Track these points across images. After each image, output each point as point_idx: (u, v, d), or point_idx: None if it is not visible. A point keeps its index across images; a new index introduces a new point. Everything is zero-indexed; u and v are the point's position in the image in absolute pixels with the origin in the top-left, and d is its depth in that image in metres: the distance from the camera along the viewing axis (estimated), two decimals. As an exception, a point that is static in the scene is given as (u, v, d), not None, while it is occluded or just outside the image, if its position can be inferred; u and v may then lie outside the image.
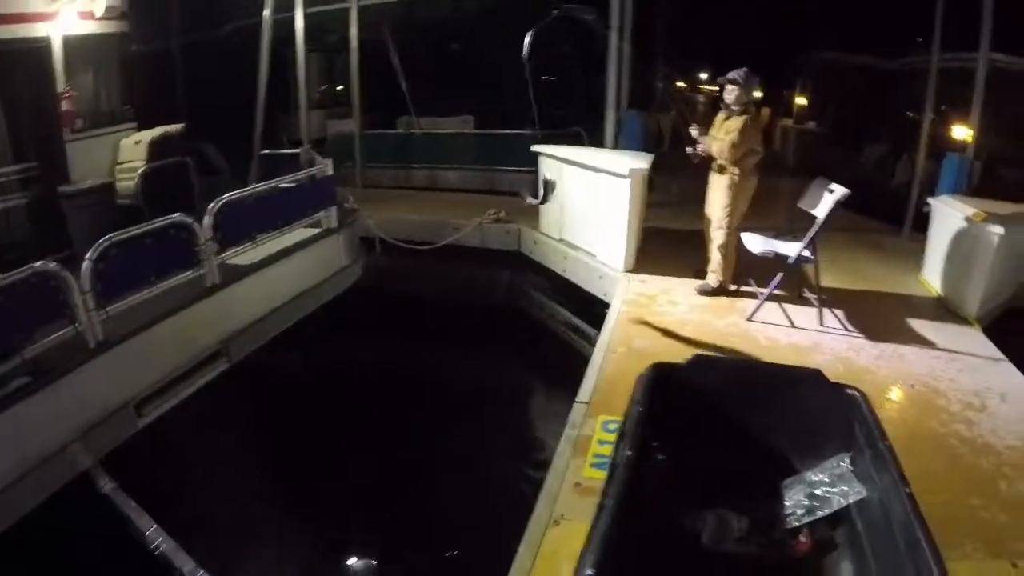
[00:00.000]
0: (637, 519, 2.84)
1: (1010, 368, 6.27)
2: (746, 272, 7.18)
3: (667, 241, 8.56)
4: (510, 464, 6.57)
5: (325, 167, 7.55)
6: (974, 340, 6.85)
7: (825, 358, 5.98)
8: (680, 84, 23.68)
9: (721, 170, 6.73)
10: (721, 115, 6.74)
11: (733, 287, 7.20)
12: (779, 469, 3.46)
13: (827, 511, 3.13)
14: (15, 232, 7.28)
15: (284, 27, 10.25)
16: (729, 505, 3.25)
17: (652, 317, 6.48)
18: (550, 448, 4.34)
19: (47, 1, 7.17)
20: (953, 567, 3.54)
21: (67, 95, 7.63)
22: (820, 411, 3.40)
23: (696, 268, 7.37)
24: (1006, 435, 5.05)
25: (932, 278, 8.26)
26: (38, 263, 4.63)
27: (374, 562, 6.05)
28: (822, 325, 6.64)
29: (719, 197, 6.78)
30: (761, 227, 7.24)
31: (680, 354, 4.86)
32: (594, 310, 7.43)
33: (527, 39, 9.72)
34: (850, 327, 6.71)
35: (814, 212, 6.57)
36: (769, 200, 7.52)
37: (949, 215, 7.92)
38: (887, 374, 5.87)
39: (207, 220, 6.05)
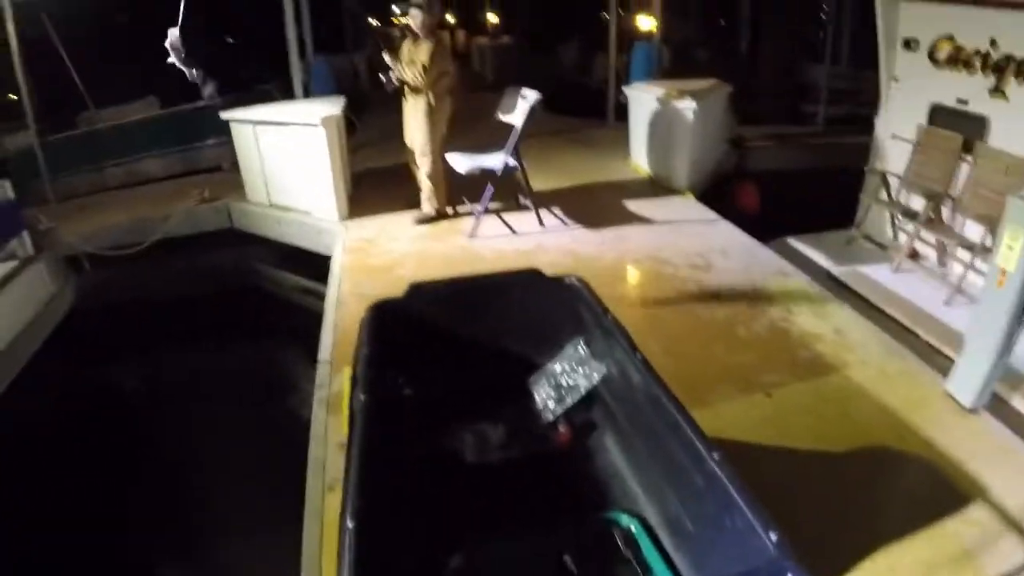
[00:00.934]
0: (396, 458, 2.65)
1: (727, 225, 6.74)
2: (460, 192, 7.11)
3: (378, 180, 8.34)
4: (277, 442, 6.19)
5: (4, 190, 6.61)
6: (689, 208, 7.27)
7: (551, 256, 6.10)
8: (373, 21, 23.27)
9: (416, 96, 6.57)
10: (408, 42, 6.59)
11: (450, 210, 7.13)
12: (525, 372, 3.41)
13: (577, 397, 3.12)
14: None
15: None
16: (486, 419, 3.14)
17: (376, 259, 6.29)
18: (308, 415, 4.21)
19: None
20: (716, 410, 3.80)
21: None
22: (547, 307, 3.38)
23: (411, 200, 7.20)
24: (735, 285, 5.46)
25: (640, 161, 8.62)
26: None
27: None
28: (542, 226, 6.72)
29: (418, 125, 6.63)
30: (467, 146, 7.17)
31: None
32: (322, 267, 7.09)
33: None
34: (570, 222, 6.88)
35: (510, 121, 6.59)
36: (472, 118, 7.48)
37: (644, 100, 8.27)
38: (614, 256, 6.09)
39: None
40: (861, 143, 7.62)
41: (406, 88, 6.59)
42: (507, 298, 3.40)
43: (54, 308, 6.85)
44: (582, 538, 2.62)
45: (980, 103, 5.95)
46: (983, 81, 5.86)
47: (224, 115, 7.84)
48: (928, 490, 3.26)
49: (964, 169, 6.06)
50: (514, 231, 6.65)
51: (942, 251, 6.31)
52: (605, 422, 3.14)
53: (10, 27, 9.35)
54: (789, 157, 10.11)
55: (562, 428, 3.11)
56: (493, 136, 7.02)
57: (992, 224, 5.40)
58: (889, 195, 6.80)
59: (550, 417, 3.15)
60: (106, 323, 7.78)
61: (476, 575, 2.51)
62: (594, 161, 9.18)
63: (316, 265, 7.48)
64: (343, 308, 5.38)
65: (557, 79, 16.85)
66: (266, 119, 7.47)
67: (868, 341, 4.55)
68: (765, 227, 6.93)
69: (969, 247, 5.72)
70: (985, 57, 5.81)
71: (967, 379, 3.86)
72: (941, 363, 4.50)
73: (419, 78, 6.38)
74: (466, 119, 7.18)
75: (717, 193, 8.39)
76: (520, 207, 7.10)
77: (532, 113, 6.47)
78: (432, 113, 6.57)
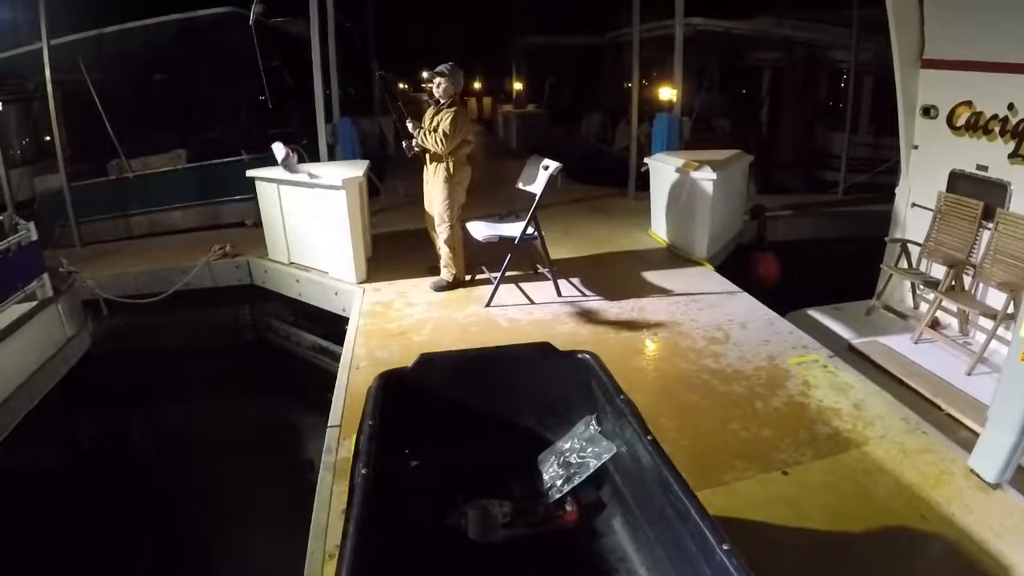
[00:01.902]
0: (396, 531, 2.60)
1: (745, 297, 6.68)
2: (478, 260, 7.13)
3: (398, 244, 8.36)
4: (281, 504, 6.13)
5: (27, 232, 6.69)
6: (707, 279, 7.22)
7: (568, 327, 6.06)
8: (402, 85, 23.75)
9: (436, 163, 6.62)
10: (431, 110, 6.64)
11: (468, 277, 7.13)
12: (533, 448, 3.35)
13: (585, 475, 3.06)
14: None
15: None
16: (492, 494, 3.09)
17: (391, 324, 6.25)
18: (315, 478, 4.10)
19: None
20: (731, 488, 3.72)
21: None
22: (558, 382, 3.32)
23: (429, 265, 7.24)
24: (752, 358, 5.38)
25: (660, 231, 8.63)
26: None
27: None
28: (560, 296, 6.69)
29: (437, 191, 6.67)
30: (488, 213, 7.24)
31: (419, 356, 4.81)
32: (338, 327, 7.10)
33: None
34: (588, 292, 6.85)
35: (530, 190, 6.62)
36: (494, 186, 7.55)
37: (665, 170, 8.31)
38: (630, 329, 6.04)
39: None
40: (881, 211, 7.61)
41: (426, 154, 6.65)
42: (518, 372, 3.37)
43: (69, 352, 6.83)
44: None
45: (1000, 169, 5.96)
46: (1003, 147, 5.86)
47: (250, 173, 7.94)
48: (950, 571, 3.17)
49: (985, 236, 6.04)
50: (531, 300, 6.64)
51: (964, 320, 6.25)
52: (613, 502, 3.08)
53: (47, 72, 9.59)
54: (809, 226, 10.10)
55: (569, 507, 3.05)
56: (514, 203, 7.09)
57: (1015, 292, 5.37)
58: (910, 263, 6.77)
59: (557, 495, 3.09)
60: (120, 370, 7.81)
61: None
62: (614, 230, 9.20)
63: (332, 325, 7.51)
64: (356, 372, 5.33)
65: (580, 148, 17.06)
66: (290, 179, 7.54)
67: (888, 416, 4.47)
68: (784, 298, 6.89)
69: (991, 315, 5.67)
70: (1004, 122, 5.83)
71: (991, 454, 3.76)
72: (964, 436, 4.44)
73: (440, 144, 6.41)
74: (489, 186, 7.23)
75: (736, 263, 8.38)
76: (538, 276, 7.10)
77: (553, 182, 6.52)
78: (451, 180, 6.61)
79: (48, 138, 12.87)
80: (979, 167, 6.17)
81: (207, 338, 8.81)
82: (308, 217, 7.50)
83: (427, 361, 3.25)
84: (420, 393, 3.19)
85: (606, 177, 12.59)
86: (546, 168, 6.57)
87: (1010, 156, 5.81)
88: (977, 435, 4.02)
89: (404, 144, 6.74)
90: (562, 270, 7.02)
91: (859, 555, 3.26)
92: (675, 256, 8.05)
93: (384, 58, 20.34)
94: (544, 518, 3.02)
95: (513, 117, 21.52)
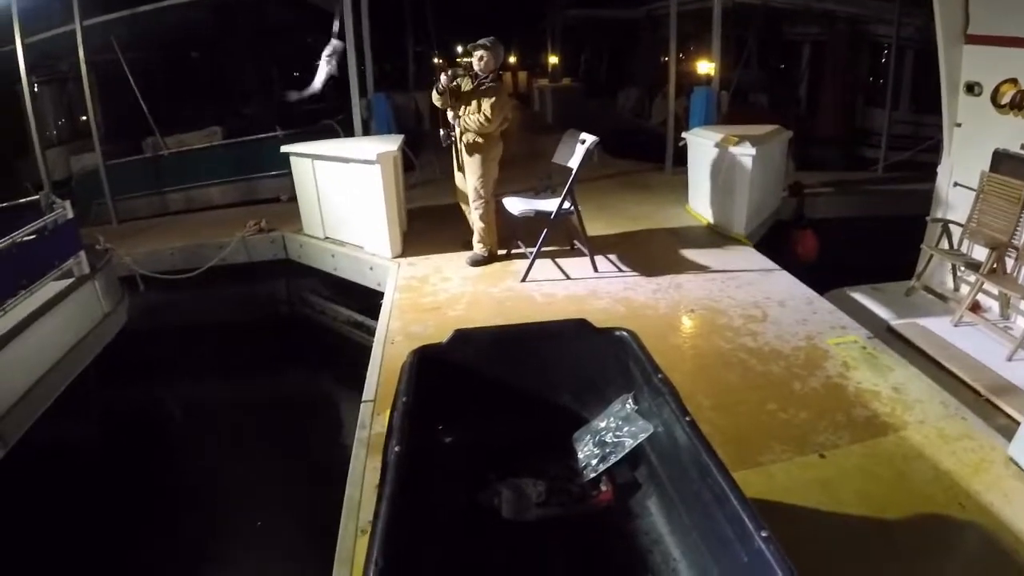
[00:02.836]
0: (430, 511, 2.61)
1: (784, 275, 6.60)
2: (515, 234, 7.11)
3: (433, 219, 8.38)
4: (314, 479, 6.18)
5: (63, 210, 6.75)
6: (746, 257, 7.15)
7: (603, 303, 6.03)
8: (438, 60, 23.67)
9: (472, 140, 6.55)
10: (468, 83, 6.50)
11: (503, 252, 7.11)
12: (569, 425, 3.33)
13: (621, 455, 3.02)
14: None
15: (7, 60, 9.13)
16: (526, 472, 3.07)
17: (426, 298, 6.27)
18: (350, 453, 4.10)
19: None
20: (768, 470, 3.69)
21: None
22: (594, 359, 3.29)
23: (465, 240, 7.23)
24: (790, 338, 5.31)
25: (698, 207, 8.55)
26: None
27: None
28: (596, 271, 6.66)
29: (472, 168, 6.63)
30: (524, 188, 7.20)
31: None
32: (372, 302, 7.12)
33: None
34: (624, 268, 6.80)
35: (568, 164, 6.56)
36: (529, 160, 7.48)
37: (703, 145, 8.21)
38: (668, 305, 6.00)
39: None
40: (922, 190, 7.50)
41: (461, 131, 6.56)
42: (553, 348, 3.33)
43: (106, 328, 6.90)
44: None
45: (1046, 149, 5.79)
46: (1049, 126, 5.71)
47: (284, 148, 7.98)
48: (988, 561, 3.11)
49: (1029, 218, 5.90)
50: (567, 275, 6.61)
51: (1005, 304, 6.12)
52: (649, 483, 3.04)
53: (81, 52, 9.66)
54: (848, 204, 9.95)
55: (604, 487, 3.02)
56: (550, 177, 7.06)
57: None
58: (951, 244, 6.63)
59: (592, 475, 3.06)
60: (156, 345, 7.91)
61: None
62: (651, 206, 9.14)
63: (367, 299, 7.54)
64: (391, 347, 5.34)
65: (615, 122, 16.92)
66: (325, 154, 7.57)
67: (927, 400, 4.38)
68: (822, 276, 6.81)
69: (1033, 300, 5.55)
70: (1051, 101, 5.67)
71: (1031, 443, 3.69)
72: (1002, 423, 4.35)
73: (486, 125, 6.37)
74: (523, 160, 7.18)
75: (774, 240, 8.28)
76: (574, 251, 7.07)
77: (589, 157, 6.45)
78: (486, 156, 6.58)
79: (84, 118, 13.03)
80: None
81: (242, 313, 8.94)
82: (343, 192, 7.52)
83: (462, 337, 3.23)
84: (454, 369, 3.18)
85: (642, 152, 12.48)
86: (583, 142, 6.50)
87: (1056, 136, 5.67)
88: (1016, 422, 3.95)
89: (441, 134, 6.67)
90: (598, 246, 6.97)
91: (895, 543, 3.20)
92: (713, 232, 7.97)
93: (419, 32, 20.26)
94: (578, 497, 3.00)
95: (548, 91, 21.40)
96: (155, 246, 8.68)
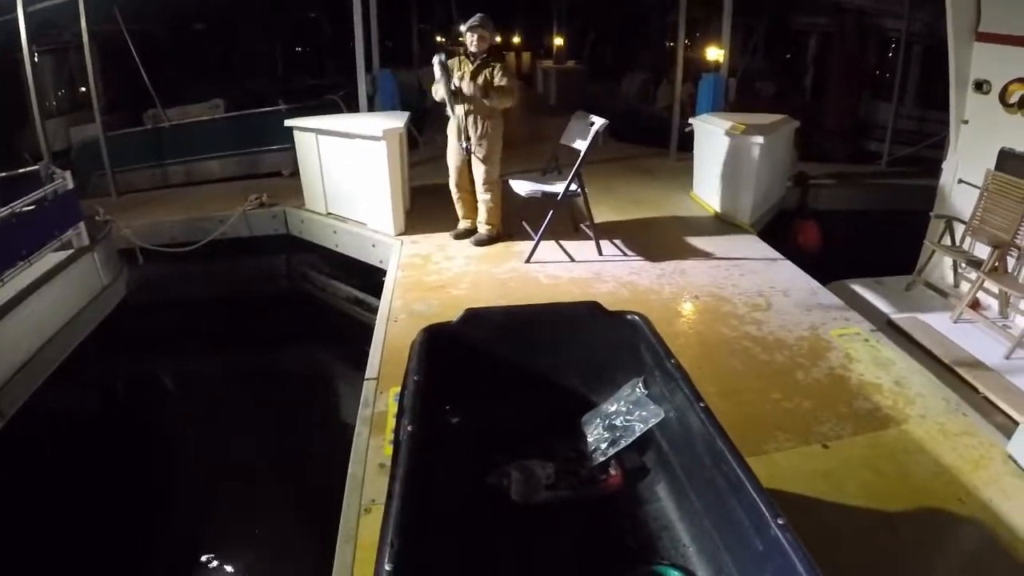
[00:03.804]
0: (439, 491, 2.60)
1: (788, 265, 6.60)
2: (520, 215, 7.07)
3: (437, 196, 8.27)
4: (316, 457, 6.17)
5: (63, 181, 6.70)
6: (751, 245, 7.15)
7: (608, 286, 6.03)
8: (439, 39, 23.52)
9: (483, 120, 6.52)
10: (467, 65, 6.45)
11: (507, 233, 7.09)
12: (578, 408, 3.33)
13: (630, 439, 3.02)
14: None
15: (5, 29, 9.03)
16: (534, 455, 3.07)
17: (429, 277, 6.26)
18: (352, 431, 4.08)
19: None
20: (771, 459, 3.70)
21: None
22: (605, 342, 3.28)
23: (459, 228, 7.21)
24: (794, 327, 5.33)
25: (703, 194, 8.54)
26: None
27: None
28: (601, 255, 6.67)
29: (487, 147, 6.60)
30: (530, 169, 7.17)
31: (461, 310, 4.76)
32: (374, 279, 7.12)
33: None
34: (629, 252, 6.81)
35: (576, 146, 6.55)
36: (533, 142, 7.45)
37: (710, 132, 8.18)
38: (672, 291, 6.00)
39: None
40: (925, 185, 7.50)
41: (468, 113, 6.50)
42: (565, 330, 3.32)
43: (105, 300, 6.90)
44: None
45: (1053, 150, 5.78)
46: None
47: (288, 123, 7.91)
48: (986, 556, 3.13)
49: (1032, 218, 5.90)
50: (572, 258, 6.61)
51: (1005, 302, 6.13)
52: (658, 468, 3.04)
53: (83, 21, 9.56)
54: (851, 197, 9.93)
55: (613, 471, 3.02)
56: (556, 159, 7.03)
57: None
58: (953, 241, 6.64)
59: (601, 459, 3.06)
60: (155, 318, 7.91)
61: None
62: (656, 191, 9.13)
63: (369, 276, 7.53)
64: (394, 325, 5.33)
65: (619, 105, 16.86)
66: (329, 129, 7.52)
67: (929, 395, 4.40)
68: (824, 267, 6.81)
69: (1033, 299, 5.56)
70: (1058, 101, 5.66)
71: (1030, 442, 3.71)
72: (1000, 421, 4.37)
73: (505, 91, 6.38)
74: (529, 141, 7.14)
75: (777, 230, 8.28)
76: (578, 234, 7.06)
77: (596, 139, 6.43)
78: (498, 136, 6.58)
79: (84, 88, 12.87)
80: (1030, 147, 6.01)
81: (243, 288, 8.90)
82: (347, 168, 7.48)
83: (472, 316, 3.21)
84: (464, 349, 3.16)
85: (645, 136, 12.48)
86: (592, 124, 6.48)
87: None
88: (1012, 420, 3.96)
89: (464, 146, 6.61)
90: (603, 229, 6.96)
91: (896, 535, 3.22)
92: (717, 220, 7.97)
93: (424, 10, 20.11)
94: (587, 481, 3.00)
95: (552, 72, 21.29)
96: (155, 219, 8.63)
